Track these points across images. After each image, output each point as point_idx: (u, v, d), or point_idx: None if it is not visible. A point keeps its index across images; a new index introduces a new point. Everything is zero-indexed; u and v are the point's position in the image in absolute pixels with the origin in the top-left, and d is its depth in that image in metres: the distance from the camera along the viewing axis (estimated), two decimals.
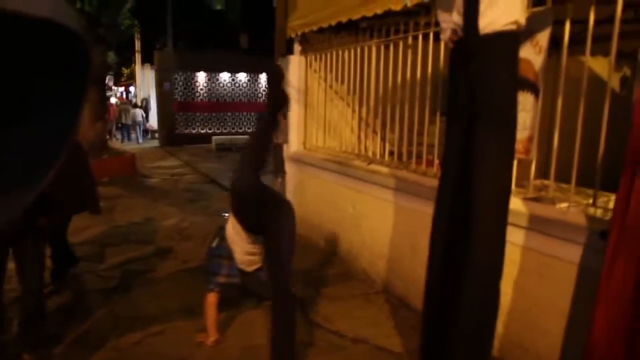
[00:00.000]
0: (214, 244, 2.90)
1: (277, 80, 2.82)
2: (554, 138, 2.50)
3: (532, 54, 2.47)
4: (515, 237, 2.52)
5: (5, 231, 2.31)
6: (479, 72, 2.00)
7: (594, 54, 3.71)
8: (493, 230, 2.01)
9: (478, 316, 1.99)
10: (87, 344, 2.85)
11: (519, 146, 2.52)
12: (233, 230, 2.75)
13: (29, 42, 1.35)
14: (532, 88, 2.48)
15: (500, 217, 2.05)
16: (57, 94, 1.46)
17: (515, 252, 2.55)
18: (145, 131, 19.01)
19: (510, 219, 2.26)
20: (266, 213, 2.62)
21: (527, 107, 2.50)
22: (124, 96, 25.37)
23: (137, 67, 20.63)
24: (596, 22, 2.31)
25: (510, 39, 2.00)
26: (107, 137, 11.70)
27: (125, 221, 5.90)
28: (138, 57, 20.25)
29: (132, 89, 23.72)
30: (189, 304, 3.36)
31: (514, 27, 1.97)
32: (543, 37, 2.43)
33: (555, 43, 2.68)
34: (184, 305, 3.38)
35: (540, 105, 2.53)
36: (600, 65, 4.00)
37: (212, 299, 2.84)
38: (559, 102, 2.45)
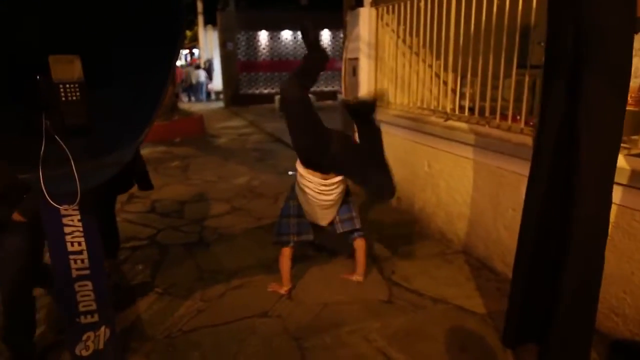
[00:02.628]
0: (283, 206, 2.96)
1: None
2: None
3: None
4: (616, 197, 2.31)
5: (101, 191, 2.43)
6: (588, 13, 1.78)
7: None
8: (600, 190, 1.84)
9: (584, 279, 1.87)
10: (177, 294, 3.02)
11: (628, 97, 2.27)
12: (303, 180, 2.74)
13: (127, 7, 1.31)
14: None
15: (607, 175, 1.87)
16: (151, 56, 1.44)
17: (616, 213, 2.36)
18: (208, 93, 19.59)
19: None
20: (332, 147, 2.60)
21: None
22: (189, 59, 25.97)
23: (200, 29, 20.92)
24: None
25: None
26: (176, 98, 12.07)
27: (199, 179, 6.13)
28: (200, 19, 20.51)
29: (195, 51, 24.18)
30: (266, 260, 3.46)
31: None
32: None
33: None
34: (261, 260, 3.48)
35: None
36: None
37: (286, 252, 2.93)
38: None
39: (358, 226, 3.01)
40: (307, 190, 2.74)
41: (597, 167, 1.81)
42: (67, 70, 1.75)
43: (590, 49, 1.77)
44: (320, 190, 2.72)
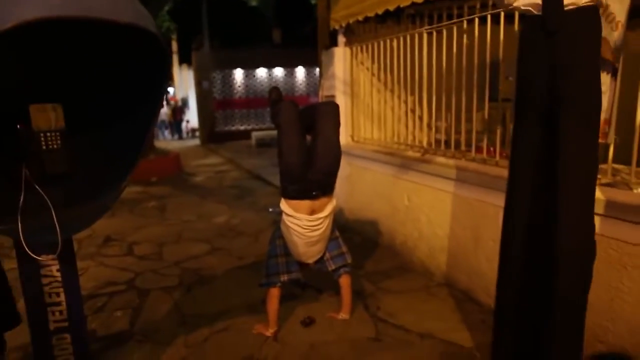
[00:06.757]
0: (269, 247, 2.95)
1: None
2: (636, 120, 2.34)
3: (608, 30, 2.31)
4: None
5: None
6: (562, 52, 1.88)
7: None
8: (582, 219, 1.90)
9: (573, 306, 1.91)
10: (158, 340, 2.92)
11: None
12: (289, 219, 2.75)
13: (115, 48, 1.35)
14: (609, 67, 2.33)
15: (589, 203, 1.93)
16: (139, 96, 1.46)
17: None
18: (186, 131, 19.80)
19: None
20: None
21: (603, 88, 2.34)
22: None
23: (175, 68, 21.08)
24: None
25: (592, 15, 1.87)
26: (152, 137, 11.99)
27: (177, 219, 6.03)
28: (175, 58, 20.69)
29: (170, 89, 24.26)
30: (250, 301, 3.39)
31: (593, 3, 1.87)
32: (620, 12, 2.27)
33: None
34: (245, 302, 3.41)
35: (619, 86, 2.37)
36: None
37: (274, 292, 2.88)
38: None
39: (349, 261, 3.02)
40: (294, 227, 2.74)
41: (577, 198, 1.86)
42: (48, 118, 1.74)
43: (564, 85, 1.86)
44: (307, 227, 2.73)
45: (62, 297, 1.93)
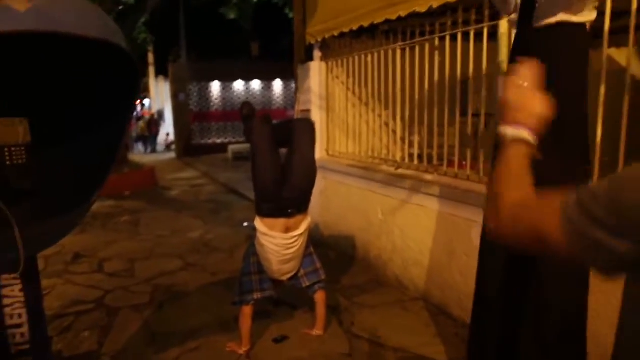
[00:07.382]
0: (243, 265, 2.92)
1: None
2: (596, 136, 2.42)
3: None
4: None
5: None
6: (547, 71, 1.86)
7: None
8: None
9: (552, 320, 1.92)
10: None
11: None
12: (264, 237, 2.73)
13: (85, 62, 1.33)
14: None
15: None
16: (108, 110, 1.44)
17: None
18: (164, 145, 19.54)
19: None
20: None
21: None
22: (139, 109, 25.69)
23: (151, 80, 20.86)
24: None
25: (575, 32, 1.80)
26: (126, 150, 11.79)
27: (151, 234, 5.92)
28: (151, 70, 20.50)
29: (146, 101, 23.96)
30: (223, 318, 3.33)
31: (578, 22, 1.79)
32: None
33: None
34: (218, 319, 3.35)
35: None
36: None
37: (247, 310, 2.85)
38: (600, 97, 2.37)
39: (323, 277, 3.00)
40: (268, 245, 2.72)
41: None
42: (14, 133, 1.70)
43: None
44: (282, 245, 2.71)
45: (24, 319, 1.86)
